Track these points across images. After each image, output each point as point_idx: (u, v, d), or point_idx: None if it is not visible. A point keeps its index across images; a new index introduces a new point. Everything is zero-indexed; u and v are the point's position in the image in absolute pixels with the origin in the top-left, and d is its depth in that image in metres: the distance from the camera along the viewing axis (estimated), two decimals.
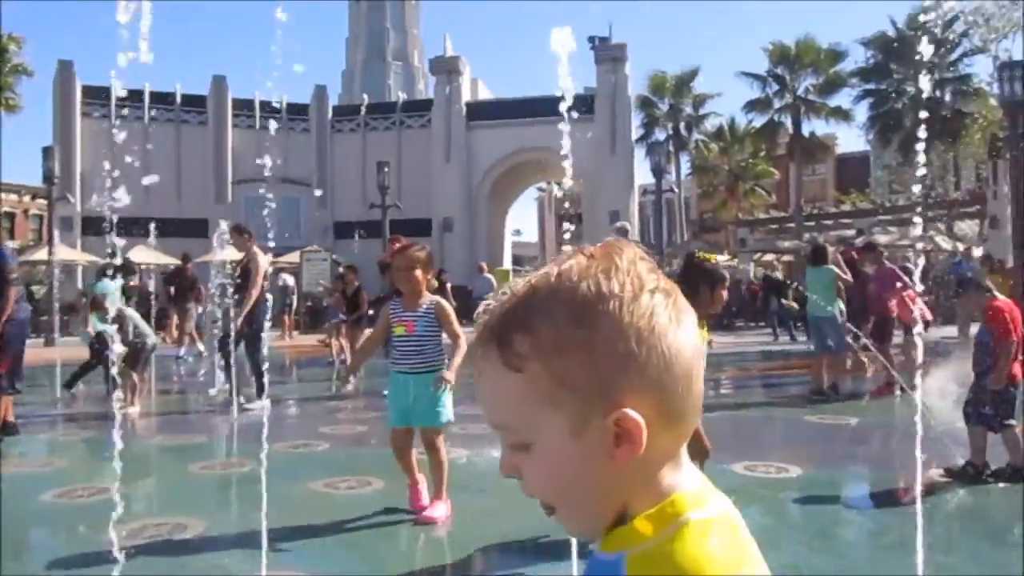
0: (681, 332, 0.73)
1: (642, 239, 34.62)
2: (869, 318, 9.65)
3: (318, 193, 29.61)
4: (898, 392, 9.02)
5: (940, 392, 7.57)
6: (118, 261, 11.72)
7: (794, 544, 4.07)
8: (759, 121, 32.69)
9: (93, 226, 26.25)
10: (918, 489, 3.78)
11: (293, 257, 25.58)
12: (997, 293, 5.58)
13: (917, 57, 22.69)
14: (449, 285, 22.01)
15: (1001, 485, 5.06)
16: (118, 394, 7.87)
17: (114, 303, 8.79)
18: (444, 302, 4.58)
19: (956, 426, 5.60)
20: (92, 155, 27.85)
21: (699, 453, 4.15)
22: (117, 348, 8.07)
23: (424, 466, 4.66)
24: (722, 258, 19.08)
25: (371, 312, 11.18)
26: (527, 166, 32.09)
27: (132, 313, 8.89)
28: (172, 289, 15.74)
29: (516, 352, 0.72)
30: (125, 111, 30.80)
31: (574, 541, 3.58)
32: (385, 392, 5.62)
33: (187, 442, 7.24)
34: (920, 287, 4.72)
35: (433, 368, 4.45)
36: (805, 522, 4.63)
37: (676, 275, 4.18)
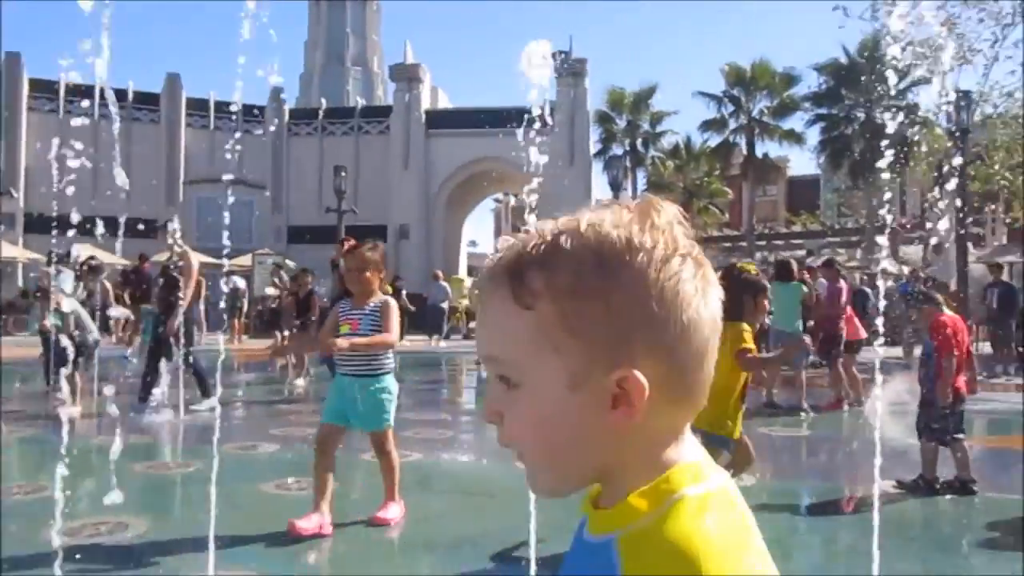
0: (705, 306, 0.69)
1: None
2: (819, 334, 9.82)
3: (267, 194, 29.19)
4: (846, 407, 9.20)
5: (888, 408, 7.72)
6: (84, 256, 11.27)
7: None
8: (714, 141, 33.30)
9: (36, 223, 25.46)
10: (875, 501, 3.83)
11: (245, 260, 25.13)
12: (946, 309, 5.72)
13: (886, 83, 23.36)
14: (404, 292, 21.97)
15: (949, 497, 5.17)
16: (60, 392, 7.60)
17: (67, 297, 8.49)
18: (392, 302, 4.42)
19: (906, 441, 5.71)
20: (38, 150, 27.06)
21: (742, 462, 4.14)
22: (63, 344, 7.79)
23: (363, 473, 4.56)
24: None
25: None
26: (485, 176, 32.11)
27: (78, 308, 8.60)
28: (130, 289, 15.40)
29: (530, 288, 0.67)
30: (74, 106, 30.02)
31: (533, 543, 3.53)
32: None
33: (131, 442, 6.99)
34: (882, 307, 4.80)
35: (376, 372, 4.30)
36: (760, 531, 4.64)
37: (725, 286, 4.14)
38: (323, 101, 37.85)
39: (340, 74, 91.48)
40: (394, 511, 4.41)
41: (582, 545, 0.73)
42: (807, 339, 5.40)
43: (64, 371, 7.65)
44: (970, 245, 20.88)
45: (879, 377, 4.38)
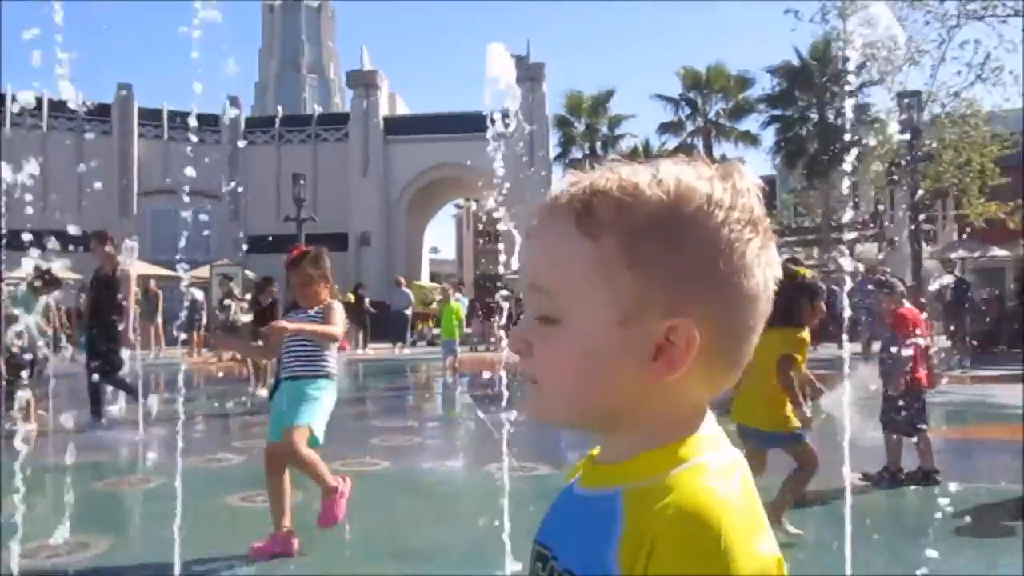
0: (765, 281, 0.68)
1: None
2: None
3: (224, 204, 28.75)
4: (809, 402, 9.33)
5: (850, 402, 7.83)
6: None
7: None
8: (672, 143, 33.63)
9: None
10: (847, 492, 3.86)
11: (203, 272, 24.72)
12: (906, 302, 5.83)
13: (844, 83, 23.80)
14: (367, 300, 21.81)
15: (913, 488, 5.26)
16: (13, 411, 7.36)
17: (23, 313, 8.23)
18: (336, 304, 4.24)
19: (870, 434, 5.79)
20: None
21: (806, 468, 4.08)
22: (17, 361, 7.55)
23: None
24: None
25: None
26: (445, 182, 32.05)
27: (31, 323, 8.35)
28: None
29: (598, 219, 0.65)
30: (21, 118, 29.25)
31: (508, 547, 3.50)
32: None
33: (90, 459, 6.80)
34: (847, 304, 4.87)
35: (314, 375, 4.07)
36: None
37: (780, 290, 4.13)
38: (279, 109, 37.44)
39: (296, 81, 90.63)
40: (334, 508, 4.04)
41: (573, 499, 0.71)
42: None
43: (21, 392, 7.41)
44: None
45: (845, 371, 4.44)
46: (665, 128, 33.20)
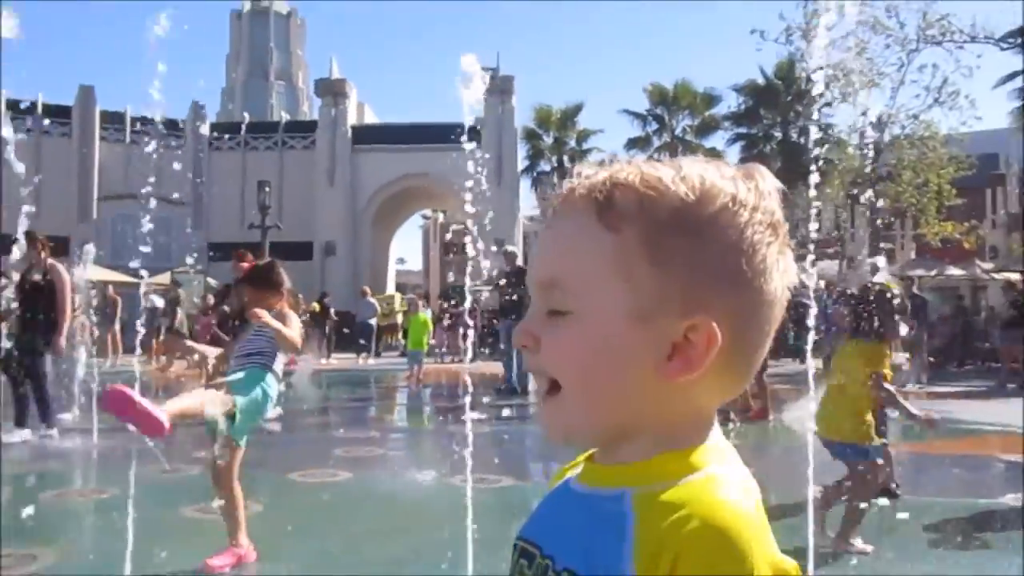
0: (783, 285, 0.67)
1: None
2: None
3: (187, 210, 28.33)
4: (771, 417, 9.42)
5: (812, 416, 7.92)
6: None
7: None
8: (640, 158, 33.82)
9: None
10: (810, 505, 3.89)
11: (163, 278, 24.30)
12: None
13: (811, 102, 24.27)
14: (332, 310, 21.60)
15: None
16: None
17: None
18: (288, 312, 4.10)
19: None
20: None
21: (867, 484, 4.13)
22: None
23: (288, 494, 4.40)
24: None
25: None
26: (413, 192, 31.96)
27: None
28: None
29: (620, 211, 0.64)
30: None
31: (471, 560, 3.45)
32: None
33: (39, 469, 6.62)
34: (812, 320, 4.95)
35: (253, 365, 3.93)
36: None
37: (864, 304, 4.23)
38: (246, 115, 37.10)
39: (263, 88, 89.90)
40: (226, 558, 3.81)
41: (570, 497, 0.69)
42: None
43: None
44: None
45: (810, 386, 4.49)
46: (633, 143, 33.47)
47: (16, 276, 7.89)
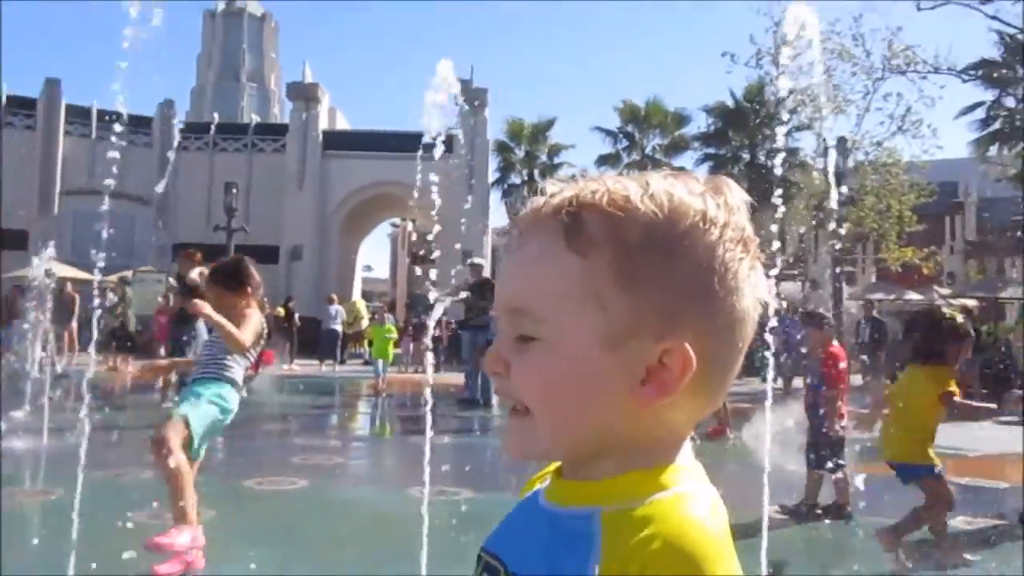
0: (754, 303, 0.66)
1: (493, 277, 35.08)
2: None
3: (152, 209, 27.89)
4: (731, 435, 9.47)
5: (768, 436, 7.99)
6: None
7: None
8: (610, 174, 34.16)
9: None
10: (764, 524, 3.91)
11: (115, 277, 23.87)
12: (835, 340, 5.99)
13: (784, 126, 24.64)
14: (297, 315, 21.36)
15: (828, 521, 5.38)
16: None
17: None
18: (250, 313, 4.01)
19: (787, 468, 5.91)
20: None
21: (938, 505, 4.17)
22: None
23: (247, 502, 4.33)
24: None
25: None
26: (382, 200, 31.79)
27: None
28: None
29: (588, 235, 0.61)
30: None
31: (424, 571, 3.42)
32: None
33: None
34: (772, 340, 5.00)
35: (216, 377, 3.88)
36: None
37: (920, 331, 4.44)
38: (215, 116, 36.66)
39: (235, 90, 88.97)
40: (181, 538, 3.70)
41: (537, 513, 0.67)
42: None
43: None
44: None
45: (767, 405, 4.54)
46: (603, 160, 33.68)
47: None
